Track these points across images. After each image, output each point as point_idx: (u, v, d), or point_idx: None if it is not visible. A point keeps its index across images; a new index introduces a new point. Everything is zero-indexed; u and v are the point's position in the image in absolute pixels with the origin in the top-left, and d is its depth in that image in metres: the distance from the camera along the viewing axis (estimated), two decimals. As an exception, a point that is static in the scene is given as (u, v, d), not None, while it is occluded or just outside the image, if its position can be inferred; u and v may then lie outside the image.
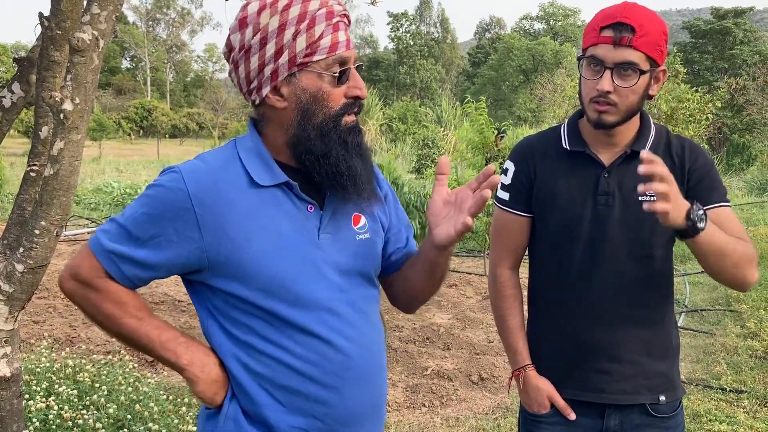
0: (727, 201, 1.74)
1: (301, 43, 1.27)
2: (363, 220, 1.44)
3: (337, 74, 1.30)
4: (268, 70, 1.29)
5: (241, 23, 1.29)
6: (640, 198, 1.62)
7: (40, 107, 2.41)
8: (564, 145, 1.78)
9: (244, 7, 1.32)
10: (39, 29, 2.45)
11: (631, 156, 1.70)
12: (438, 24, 78.52)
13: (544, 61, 59.42)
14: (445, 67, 75.51)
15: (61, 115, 2.06)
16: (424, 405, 4.27)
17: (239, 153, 1.34)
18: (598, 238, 1.72)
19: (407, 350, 5.16)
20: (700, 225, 1.47)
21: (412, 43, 73.65)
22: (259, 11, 1.28)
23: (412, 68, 70.76)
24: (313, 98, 1.30)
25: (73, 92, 2.06)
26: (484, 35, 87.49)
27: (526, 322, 1.90)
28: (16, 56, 2.59)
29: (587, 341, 1.75)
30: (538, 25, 76.76)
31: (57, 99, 2.05)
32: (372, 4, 4.15)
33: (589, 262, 1.73)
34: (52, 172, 2.10)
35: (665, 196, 1.40)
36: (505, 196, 1.85)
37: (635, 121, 1.74)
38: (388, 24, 75.83)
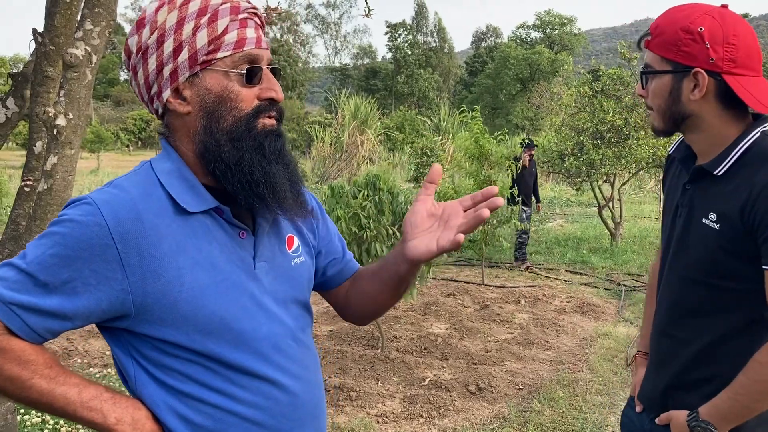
0: None
1: (202, 38, 1.15)
2: (296, 242, 1.34)
3: (244, 72, 1.17)
4: (167, 71, 1.16)
5: (139, 24, 1.17)
6: (702, 220, 1.57)
7: (34, 122, 2.42)
8: (671, 152, 1.82)
9: (141, 10, 1.21)
10: (33, 45, 2.46)
11: (701, 173, 1.60)
12: (435, 33, 78.76)
13: (540, 70, 59.58)
14: (443, 76, 75.69)
15: (55, 131, 2.07)
16: (421, 416, 4.25)
17: (158, 176, 1.17)
18: (665, 250, 1.75)
19: (404, 360, 5.15)
20: None
21: (409, 52, 73.88)
22: (157, 9, 1.17)
23: (410, 78, 70.92)
24: (218, 99, 1.16)
25: (66, 107, 2.07)
26: (481, 44, 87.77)
27: None
28: (12, 71, 2.60)
29: (653, 347, 1.80)
30: (535, 34, 76.99)
31: (50, 114, 2.06)
32: (366, 15, 4.17)
33: (660, 272, 1.78)
34: (45, 187, 2.10)
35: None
36: None
37: (717, 135, 1.57)
38: (386, 34, 76.11)
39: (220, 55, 1.16)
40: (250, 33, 1.19)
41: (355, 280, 1.48)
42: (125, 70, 1.25)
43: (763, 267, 1.48)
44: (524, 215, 9.43)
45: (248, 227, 1.23)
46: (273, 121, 1.21)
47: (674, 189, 1.74)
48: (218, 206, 1.18)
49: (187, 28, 1.15)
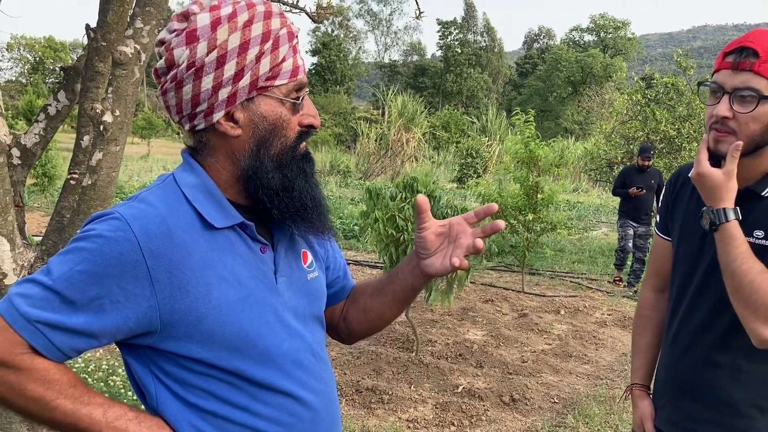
0: None
1: (265, 65, 1.15)
2: (310, 257, 1.35)
3: (298, 101, 1.20)
4: (224, 93, 1.14)
5: (191, 37, 1.12)
6: (747, 239, 1.53)
7: (82, 116, 2.46)
8: (689, 174, 1.74)
9: (183, 16, 1.15)
10: (86, 39, 2.50)
11: (747, 195, 1.59)
12: (485, 33, 78.15)
13: (593, 74, 58.62)
14: (492, 76, 75.08)
15: (101, 127, 2.09)
16: (452, 424, 4.21)
17: (183, 191, 1.17)
18: (686, 276, 1.71)
19: (438, 366, 5.10)
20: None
21: (460, 51, 73.48)
22: (214, 25, 1.12)
23: (459, 76, 70.55)
24: (272, 126, 1.18)
25: (113, 104, 2.09)
26: (533, 45, 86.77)
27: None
28: (64, 65, 2.64)
29: (676, 374, 1.75)
30: (588, 37, 75.73)
31: (98, 111, 2.08)
32: (417, 18, 4.14)
33: (684, 296, 1.73)
34: (90, 182, 2.13)
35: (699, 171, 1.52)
36: (658, 217, 1.90)
37: None
38: (437, 32, 75.85)
39: (277, 82, 1.17)
40: (299, 60, 1.21)
41: (354, 298, 1.50)
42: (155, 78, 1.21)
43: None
44: (638, 232, 8.55)
45: (268, 242, 1.25)
46: (305, 145, 1.25)
47: (692, 213, 1.71)
48: (243, 221, 1.19)
49: (251, 54, 1.14)
